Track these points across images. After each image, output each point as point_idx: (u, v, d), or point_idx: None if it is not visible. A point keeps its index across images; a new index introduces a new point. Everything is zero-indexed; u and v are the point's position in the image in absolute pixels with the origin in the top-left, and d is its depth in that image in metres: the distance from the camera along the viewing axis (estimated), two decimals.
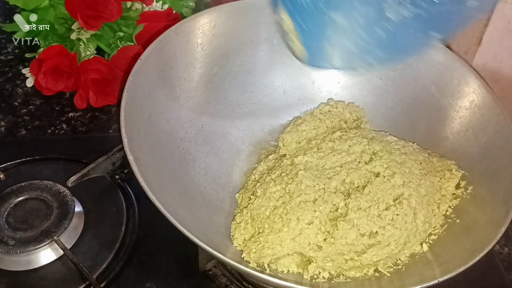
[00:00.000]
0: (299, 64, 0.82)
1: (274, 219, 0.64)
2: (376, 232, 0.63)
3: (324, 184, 0.67)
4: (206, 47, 0.76)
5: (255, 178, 0.72)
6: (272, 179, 0.69)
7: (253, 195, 0.68)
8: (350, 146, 0.72)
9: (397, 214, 0.64)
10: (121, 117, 0.61)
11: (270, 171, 0.72)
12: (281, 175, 0.69)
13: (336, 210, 0.65)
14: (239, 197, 0.71)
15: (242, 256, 0.62)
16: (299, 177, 0.67)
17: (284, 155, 0.74)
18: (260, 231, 0.64)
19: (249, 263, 0.62)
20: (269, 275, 0.58)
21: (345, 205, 0.65)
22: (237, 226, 0.66)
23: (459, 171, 0.71)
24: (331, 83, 0.83)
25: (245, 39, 0.80)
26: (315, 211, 0.64)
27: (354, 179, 0.68)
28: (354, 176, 0.68)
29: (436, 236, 0.66)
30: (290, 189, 0.66)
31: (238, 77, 0.80)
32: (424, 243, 0.65)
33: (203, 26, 0.76)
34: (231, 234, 0.66)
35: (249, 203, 0.68)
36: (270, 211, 0.65)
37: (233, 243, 0.65)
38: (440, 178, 0.71)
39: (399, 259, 0.64)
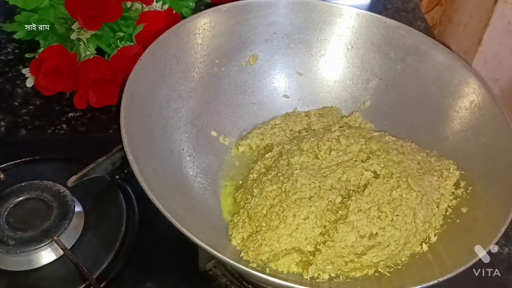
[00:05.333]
0: (300, 65, 0.83)
1: (271, 217, 0.64)
2: (376, 233, 0.63)
3: (320, 182, 0.67)
4: (206, 47, 0.77)
5: (253, 177, 0.73)
6: (268, 179, 0.69)
7: (250, 194, 0.69)
8: (347, 145, 0.72)
9: (397, 215, 0.64)
10: (121, 117, 0.61)
11: (267, 171, 0.72)
12: (277, 175, 0.69)
13: (334, 209, 0.65)
14: (237, 196, 0.71)
15: (241, 256, 0.63)
16: (295, 176, 0.68)
17: (281, 154, 0.74)
18: (258, 230, 0.64)
19: (249, 262, 0.62)
20: (269, 275, 0.58)
21: (345, 206, 0.65)
22: (234, 225, 0.67)
23: (457, 170, 0.71)
24: (331, 84, 0.84)
25: (245, 40, 0.80)
26: (310, 206, 0.64)
27: (350, 177, 0.68)
28: (350, 174, 0.68)
29: (436, 236, 0.66)
30: (286, 188, 0.66)
31: (238, 78, 0.80)
32: (424, 243, 0.66)
33: (203, 27, 0.76)
34: (229, 233, 0.66)
35: (246, 203, 0.68)
36: (266, 209, 0.66)
37: (232, 243, 0.65)
38: (438, 177, 0.71)
39: (399, 260, 0.64)
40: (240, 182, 0.74)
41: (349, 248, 0.63)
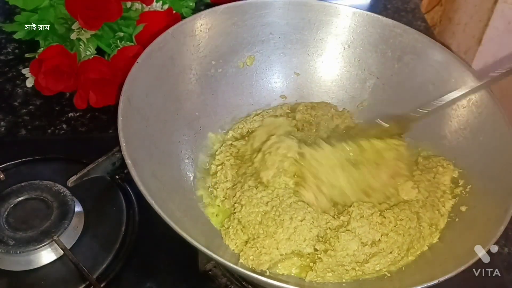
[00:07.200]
0: (297, 65, 0.83)
1: (267, 223, 0.64)
2: (379, 240, 0.63)
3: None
4: (203, 49, 0.77)
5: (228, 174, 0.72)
6: (253, 186, 0.68)
7: (238, 203, 0.68)
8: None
9: (401, 219, 0.64)
10: (118, 120, 0.61)
11: (240, 168, 0.72)
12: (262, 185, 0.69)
13: (332, 212, 0.65)
14: (220, 201, 0.71)
15: (240, 262, 0.62)
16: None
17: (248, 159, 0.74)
18: (255, 237, 0.64)
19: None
20: (269, 277, 0.58)
21: (348, 212, 0.65)
22: (226, 231, 0.66)
23: (454, 167, 0.71)
24: (329, 83, 0.84)
25: (242, 41, 0.80)
26: (306, 208, 0.65)
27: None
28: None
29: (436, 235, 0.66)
30: (279, 193, 0.66)
31: (235, 79, 0.81)
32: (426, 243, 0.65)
33: (199, 28, 0.76)
34: (223, 239, 0.66)
35: (235, 211, 0.67)
36: (261, 216, 0.65)
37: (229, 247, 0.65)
38: (435, 174, 0.71)
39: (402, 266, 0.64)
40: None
41: (350, 256, 0.62)
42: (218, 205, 0.70)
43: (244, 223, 0.65)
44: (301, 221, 0.64)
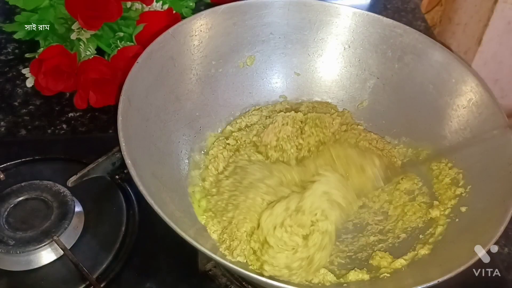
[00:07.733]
0: (297, 65, 0.83)
1: (228, 208, 0.65)
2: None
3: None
4: (203, 49, 0.77)
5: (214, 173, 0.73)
6: (225, 176, 0.70)
7: (210, 195, 0.69)
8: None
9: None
10: (118, 121, 0.61)
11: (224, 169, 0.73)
12: (234, 170, 0.70)
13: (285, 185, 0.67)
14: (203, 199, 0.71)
15: (221, 252, 0.63)
16: (249, 167, 0.70)
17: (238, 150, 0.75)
18: (224, 225, 0.65)
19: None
20: (268, 277, 0.59)
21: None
22: (209, 227, 0.67)
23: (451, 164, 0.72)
24: (329, 83, 0.84)
25: (242, 40, 0.80)
26: (261, 184, 0.66)
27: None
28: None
29: (436, 235, 0.66)
30: (240, 177, 0.68)
31: (235, 79, 0.81)
32: (426, 244, 0.65)
33: (199, 28, 0.76)
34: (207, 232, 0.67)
35: (208, 204, 0.68)
36: (225, 202, 0.66)
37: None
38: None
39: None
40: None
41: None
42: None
43: (215, 212, 0.67)
44: (253, 198, 0.65)
